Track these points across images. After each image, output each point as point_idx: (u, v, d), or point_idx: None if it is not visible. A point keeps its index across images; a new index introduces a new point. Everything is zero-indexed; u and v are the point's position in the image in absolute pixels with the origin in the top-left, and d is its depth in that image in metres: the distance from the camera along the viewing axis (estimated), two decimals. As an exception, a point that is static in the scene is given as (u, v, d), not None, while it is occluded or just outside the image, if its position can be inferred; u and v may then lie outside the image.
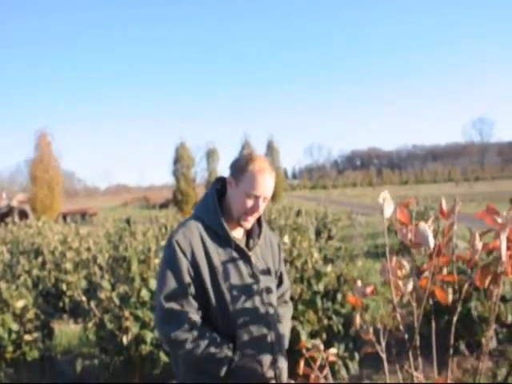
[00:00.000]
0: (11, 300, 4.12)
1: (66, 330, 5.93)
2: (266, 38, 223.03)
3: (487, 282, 1.55)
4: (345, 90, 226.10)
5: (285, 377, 1.96)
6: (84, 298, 4.14)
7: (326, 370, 1.66)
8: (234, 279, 1.83)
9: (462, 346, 4.40)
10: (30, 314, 4.28)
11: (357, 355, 3.91)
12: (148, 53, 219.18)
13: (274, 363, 1.89)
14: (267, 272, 1.95)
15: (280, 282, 2.10)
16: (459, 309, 1.66)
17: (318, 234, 9.75)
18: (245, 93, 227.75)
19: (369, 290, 1.56)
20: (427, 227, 1.36)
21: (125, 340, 3.76)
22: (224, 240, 1.85)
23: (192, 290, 1.79)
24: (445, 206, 1.56)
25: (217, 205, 1.88)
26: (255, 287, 1.87)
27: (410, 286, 1.46)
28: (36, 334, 4.22)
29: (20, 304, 4.14)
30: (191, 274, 1.78)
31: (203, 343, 1.76)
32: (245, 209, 1.84)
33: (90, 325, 4.01)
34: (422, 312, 1.56)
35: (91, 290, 5.51)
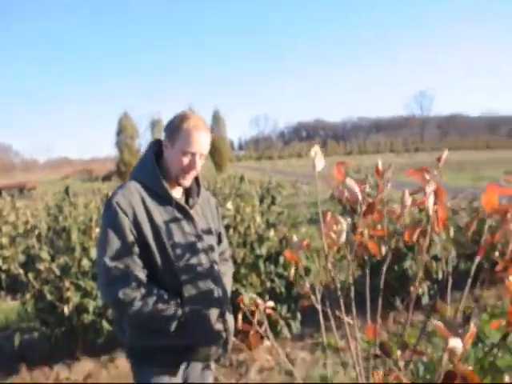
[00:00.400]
0: None
1: (3, 307, 5.73)
2: (210, 8, 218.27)
3: (415, 236, 1.64)
4: (291, 61, 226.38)
5: (232, 330, 1.97)
6: (21, 271, 4.02)
7: (265, 325, 1.70)
8: (178, 237, 1.83)
9: (398, 302, 4.64)
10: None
11: (299, 315, 4.05)
12: (91, 16, 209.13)
13: (221, 316, 1.91)
14: (209, 230, 1.98)
15: (219, 241, 2.13)
16: (395, 267, 1.76)
17: (262, 201, 9.88)
18: (190, 63, 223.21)
19: (304, 243, 1.61)
20: (353, 181, 1.40)
21: (66, 310, 3.70)
22: (165, 199, 1.85)
23: (136, 249, 1.77)
24: (380, 167, 1.63)
25: (155, 166, 1.86)
26: (199, 244, 1.89)
27: (343, 238, 1.51)
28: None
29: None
30: (134, 234, 1.77)
31: (151, 300, 1.75)
32: (182, 167, 1.84)
33: (28, 297, 3.90)
34: (354, 264, 1.63)
35: (29, 263, 5.33)
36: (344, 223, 1.68)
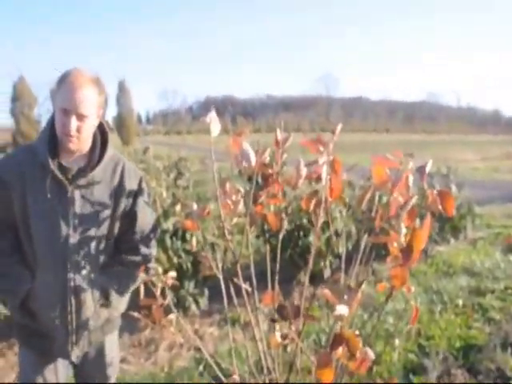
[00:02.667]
0: None
1: None
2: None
3: (312, 205, 1.72)
4: (201, 34, 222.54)
5: (86, 327, 1.81)
6: None
7: (169, 298, 1.70)
8: (43, 211, 1.68)
9: (303, 278, 4.86)
10: None
11: (206, 291, 4.10)
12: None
13: (66, 313, 1.74)
14: (92, 212, 1.75)
15: (132, 222, 1.85)
16: (299, 242, 1.84)
17: (168, 176, 9.76)
18: (92, 31, 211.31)
19: (204, 211, 1.63)
20: (249, 146, 1.44)
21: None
22: (45, 168, 1.67)
23: (3, 218, 1.71)
24: (279, 136, 1.69)
25: (48, 132, 1.70)
26: (64, 227, 1.70)
27: (240, 207, 1.55)
28: None
29: None
30: (2, 200, 1.68)
31: (2, 270, 1.71)
32: (60, 127, 1.65)
33: None
34: (259, 238, 1.69)
35: None
36: (243, 192, 1.73)
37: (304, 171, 1.67)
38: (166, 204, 4.07)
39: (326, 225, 4.22)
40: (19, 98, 26.12)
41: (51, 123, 1.71)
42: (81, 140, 1.69)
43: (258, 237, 5.05)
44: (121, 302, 1.90)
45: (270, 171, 1.73)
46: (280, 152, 1.71)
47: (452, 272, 5.59)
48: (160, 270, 1.64)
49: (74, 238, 1.70)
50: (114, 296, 1.82)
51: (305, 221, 4.85)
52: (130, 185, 1.82)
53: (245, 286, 1.50)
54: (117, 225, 1.81)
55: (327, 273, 4.90)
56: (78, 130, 1.65)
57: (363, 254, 1.68)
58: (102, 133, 1.81)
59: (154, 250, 1.94)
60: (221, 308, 4.49)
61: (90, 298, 1.76)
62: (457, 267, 5.75)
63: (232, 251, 1.55)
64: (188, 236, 4.10)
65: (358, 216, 5.23)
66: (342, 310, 1.03)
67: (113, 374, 2.03)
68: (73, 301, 1.73)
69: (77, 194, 1.70)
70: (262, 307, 1.70)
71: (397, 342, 3.40)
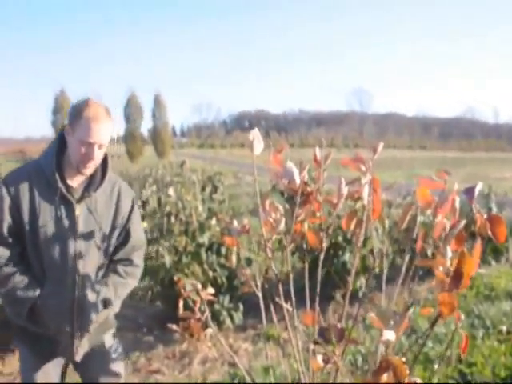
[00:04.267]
0: None
1: None
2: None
3: (352, 225, 1.71)
4: (236, 47, 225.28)
5: (93, 326, 1.96)
6: None
7: (206, 313, 1.72)
8: (51, 227, 1.83)
9: (338, 295, 4.80)
10: None
11: (241, 306, 4.10)
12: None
13: (71, 319, 1.90)
14: (95, 227, 1.91)
15: (126, 237, 2.04)
16: (334, 261, 1.83)
17: (203, 190, 9.86)
18: (129, 46, 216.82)
19: (244, 228, 1.64)
20: (293, 165, 1.44)
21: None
22: (52, 187, 1.83)
23: (10, 228, 1.82)
24: (318, 155, 1.68)
25: (54, 151, 1.85)
26: (71, 242, 1.86)
27: (282, 225, 1.55)
28: None
29: None
30: (14, 217, 1.82)
31: (11, 282, 1.81)
32: (80, 156, 1.80)
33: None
34: (296, 256, 1.69)
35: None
36: (282, 210, 1.73)
37: (345, 190, 1.66)
38: (201, 218, 4.11)
39: (363, 243, 4.18)
40: (60, 110, 27.02)
41: (57, 145, 1.87)
42: (95, 166, 1.88)
43: (293, 253, 5.03)
44: (117, 306, 2.08)
45: (309, 189, 1.73)
46: (320, 170, 1.70)
47: (494, 296, 5.40)
48: (199, 285, 1.65)
49: (80, 252, 1.88)
50: (111, 303, 1.99)
51: (340, 238, 4.81)
52: (125, 203, 2.01)
53: (286, 306, 1.49)
54: (114, 239, 2.00)
55: (363, 292, 4.83)
56: (97, 159, 1.85)
57: (400, 274, 1.65)
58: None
59: (142, 262, 2.17)
60: (255, 323, 4.48)
61: (93, 306, 1.93)
62: (499, 291, 5.54)
63: (273, 269, 1.55)
64: (223, 250, 4.12)
65: (394, 235, 5.14)
66: (389, 335, 1.01)
67: (119, 368, 2.16)
68: (78, 308, 1.90)
69: (82, 211, 1.88)
70: (299, 326, 1.68)
71: (436, 367, 3.30)
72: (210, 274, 3.87)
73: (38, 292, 1.84)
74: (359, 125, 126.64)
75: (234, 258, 1.67)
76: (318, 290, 1.63)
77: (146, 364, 3.81)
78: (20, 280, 1.83)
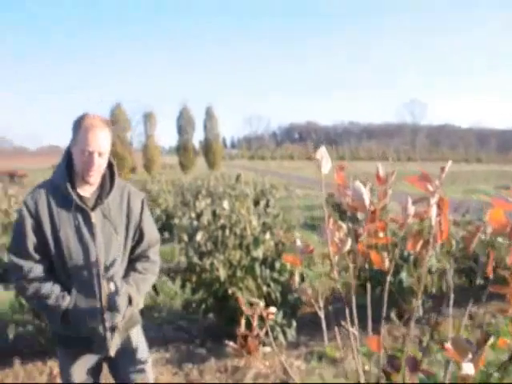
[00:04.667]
0: None
1: (-4, 297, 5.66)
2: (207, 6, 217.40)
3: (419, 247, 1.65)
4: (285, 61, 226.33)
5: (118, 327, 2.12)
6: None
7: (268, 330, 1.71)
8: (74, 239, 2.01)
9: (393, 315, 4.66)
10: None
11: (294, 322, 4.05)
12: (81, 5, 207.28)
13: (101, 316, 2.06)
14: (112, 231, 2.09)
15: (141, 237, 2.20)
16: (390, 279, 1.77)
17: (255, 203, 9.89)
18: (183, 58, 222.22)
19: (308, 248, 1.61)
20: (362, 185, 1.40)
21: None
22: (67, 199, 2.00)
23: (35, 245, 1.99)
24: (381, 172, 1.63)
25: (64, 166, 2.03)
26: (92, 247, 2.03)
27: (348, 245, 1.51)
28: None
29: None
30: (37, 234, 1.99)
31: (42, 293, 1.98)
32: (83, 165, 1.98)
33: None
34: (356, 272, 1.64)
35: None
36: (345, 229, 1.69)
37: (412, 210, 1.61)
38: (256, 232, 4.10)
39: (420, 262, 4.04)
40: (115, 122, 28.02)
41: (67, 160, 2.05)
42: (99, 174, 2.05)
43: (345, 270, 4.94)
44: (140, 302, 2.24)
45: (372, 208, 1.68)
46: (386, 188, 1.65)
47: None
48: (262, 304, 1.63)
49: (101, 256, 2.04)
50: (135, 299, 2.14)
51: (396, 256, 4.68)
52: (136, 205, 2.17)
53: (352, 330, 1.45)
54: (130, 240, 2.17)
55: (419, 312, 4.67)
56: (99, 166, 2.01)
57: (458, 295, 1.56)
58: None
59: (158, 257, 2.32)
60: (307, 340, 4.41)
61: (120, 304, 2.05)
62: None
63: (340, 290, 1.51)
64: (277, 265, 4.09)
65: (454, 253, 4.95)
66: (468, 369, 0.95)
67: (145, 360, 2.31)
68: (106, 306, 2.05)
69: (98, 218, 2.05)
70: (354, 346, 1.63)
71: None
72: (264, 288, 3.85)
73: (67, 300, 2.00)
74: (411, 137, 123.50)
75: (297, 277, 1.63)
76: (384, 312, 1.57)
77: (199, 376, 3.83)
78: (50, 291, 2.00)
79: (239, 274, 3.77)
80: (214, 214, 4.17)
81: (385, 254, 1.74)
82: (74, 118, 2.03)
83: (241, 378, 3.79)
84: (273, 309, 1.67)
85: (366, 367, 3.52)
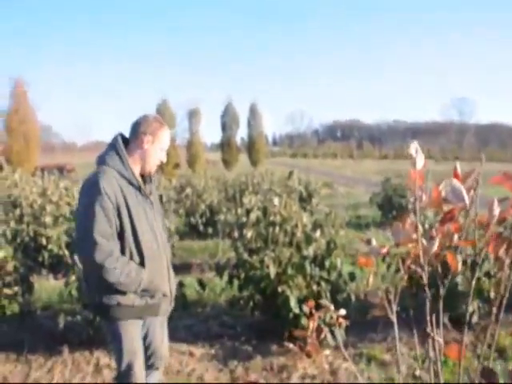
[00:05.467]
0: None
1: (46, 286, 5.80)
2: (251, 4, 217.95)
3: (501, 250, 1.51)
4: (328, 58, 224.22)
5: (174, 292, 2.61)
6: (66, 252, 4.03)
7: (324, 332, 1.62)
8: (143, 219, 2.37)
9: (445, 320, 4.45)
10: (9, 267, 4.15)
11: (344, 323, 3.91)
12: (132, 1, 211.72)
13: (168, 281, 2.52)
14: (159, 210, 2.56)
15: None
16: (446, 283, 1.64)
17: (303, 200, 9.78)
18: (228, 54, 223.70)
19: (384, 249, 1.50)
20: (460, 183, 1.28)
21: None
22: (134, 187, 2.37)
23: (117, 228, 2.30)
24: (459, 170, 1.50)
25: (127, 157, 2.36)
26: (155, 225, 2.45)
27: (435, 247, 1.39)
28: (16, 288, 4.09)
29: (-1, 255, 4.00)
30: (115, 216, 2.28)
31: (127, 269, 2.28)
32: (157, 161, 2.47)
33: (71, 279, 3.90)
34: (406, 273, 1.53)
35: (72, 245, 5.37)
36: (421, 230, 1.57)
37: (497, 211, 1.48)
38: (307, 229, 4.00)
39: (479, 266, 3.84)
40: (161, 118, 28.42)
41: (122, 149, 2.37)
42: None
43: (397, 271, 4.77)
44: None
45: (445, 208, 1.55)
46: (469, 188, 1.52)
47: None
48: (332, 307, 1.54)
49: (160, 231, 2.48)
50: None
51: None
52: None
53: (438, 339, 1.33)
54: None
55: (475, 318, 4.44)
56: None
57: None
58: None
59: None
60: (356, 341, 4.28)
61: (173, 275, 2.59)
62: None
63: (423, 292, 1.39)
64: (327, 264, 3.98)
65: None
66: None
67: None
68: (170, 272, 2.53)
69: (152, 200, 2.47)
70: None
71: None
72: (314, 287, 3.74)
73: (144, 273, 2.34)
74: (458, 136, 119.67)
75: (370, 280, 1.52)
76: (468, 319, 1.44)
77: (244, 374, 3.76)
78: (131, 266, 2.31)
79: (290, 271, 3.68)
80: (264, 210, 4.08)
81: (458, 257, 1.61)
82: (143, 117, 2.45)
83: (287, 378, 3.70)
84: (343, 311, 1.57)
85: (417, 372, 3.36)
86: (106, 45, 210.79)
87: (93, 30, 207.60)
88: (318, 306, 3.88)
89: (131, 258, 2.34)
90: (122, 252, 2.32)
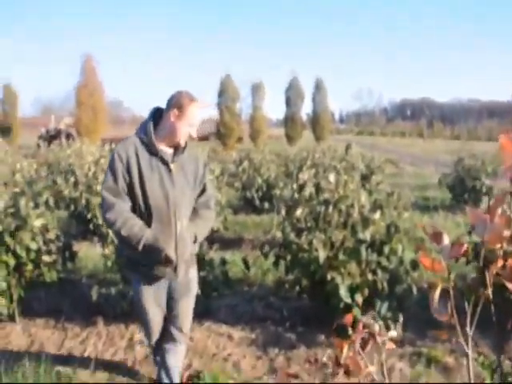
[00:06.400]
0: (29, 218, 3.83)
1: (93, 254, 5.71)
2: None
3: None
4: (398, 35, 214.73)
5: (184, 259, 2.59)
6: (101, 222, 3.81)
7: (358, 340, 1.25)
8: (156, 183, 2.46)
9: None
10: (50, 235, 4.02)
11: (401, 317, 3.45)
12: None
13: (175, 247, 2.51)
14: (184, 180, 2.56)
15: (203, 191, 2.71)
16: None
17: (362, 178, 9.19)
18: (292, 28, 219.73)
19: (462, 248, 1.06)
20: None
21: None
22: (153, 153, 2.47)
23: (124, 187, 2.45)
24: None
25: (151, 128, 2.49)
26: (170, 190, 2.48)
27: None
28: (55, 256, 3.97)
29: (38, 223, 3.85)
30: (125, 177, 2.44)
31: (129, 224, 2.40)
32: (185, 135, 2.51)
33: (108, 251, 3.70)
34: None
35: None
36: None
37: None
38: (365, 210, 3.54)
39: None
40: (224, 92, 28.30)
41: (152, 120, 2.52)
42: None
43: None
44: (198, 243, 2.73)
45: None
46: None
47: None
48: (377, 327, 1.13)
49: (176, 198, 2.50)
50: (197, 238, 2.64)
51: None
52: (201, 165, 2.70)
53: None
54: (196, 191, 2.66)
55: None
56: None
57: None
58: None
59: (215, 207, 2.86)
60: (415, 339, 3.81)
61: (186, 238, 2.55)
62: None
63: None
64: (386, 250, 3.51)
65: None
66: None
67: (194, 292, 2.80)
68: (178, 239, 2.52)
69: (176, 169, 2.52)
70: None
71: None
72: (370, 276, 3.30)
73: (148, 231, 2.42)
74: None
75: (436, 296, 1.09)
76: None
77: (284, 365, 3.42)
78: (135, 222, 2.43)
79: (341, 257, 3.26)
80: (317, 187, 3.65)
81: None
82: (176, 92, 2.53)
83: (332, 374, 3.32)
84: (393, 333, 1.17)
85: (487, 381, 2.82)
86: (179, 19, 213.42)
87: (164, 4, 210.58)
88: (372, 298, 3.44)
89: (140, 215, 2.47)
90: (133, 210, 2.48)
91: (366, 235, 3.35)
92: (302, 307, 4.16)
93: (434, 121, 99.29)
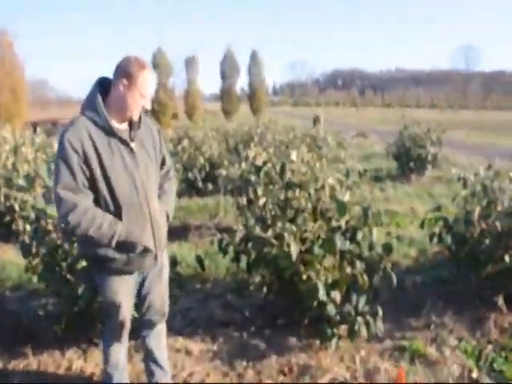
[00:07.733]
0: None
1: (19, 261, 4.87)
2: None
3: None
4: (329, 7, 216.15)
5: (162, 245, 2.40)
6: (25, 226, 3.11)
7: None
8: (120, 168, 2.17)
9: (501, 301, 3.60)
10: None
11: (380, 311, 3.03)
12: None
13: (152, 235, 2.30)
14: (148, 158, 2.30)
15: (163, 163, 2.49)
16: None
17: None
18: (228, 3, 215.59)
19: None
20: None
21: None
22: (110, 133, 2.17)
23: (84, 181, 2.12)
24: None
25: (102, 104, 2.16)
26: (136, 175, 2.22)
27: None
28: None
29: None
30: (83, 168, 2.11)
31: (96, 223, 2.12)
32: (136, 106, 2.20)
33: (35, 263, 3.02)
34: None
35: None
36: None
37: None
38: (337, 193, 3.05)
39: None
40: (157, 67, 27.10)
41: (100, 93, 2.17)
42: None
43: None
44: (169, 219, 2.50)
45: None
46: None
47: None
48: None
49: (143, 181, 2.25)
50: (169, 216, 2.47)
51: None
52: (155, 133, 2.42)
53: None
54: (158, 165, 2.42)
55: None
56: None
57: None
58: None
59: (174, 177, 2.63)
60: (393, 329, 3.43)
61: (160, 220, 2.36)
62: None
63: None
64: (359, 236, 3.05)
65: None
66: None
67: (167, 275, 2.58)
68: (154, 224, 2.30)
69: (137, 148, 2.25)
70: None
71: None
72: (348, 270, 2.83)
73: (120, 225, 2.17)
74: (463, 84, 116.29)
75: None
76: None
77: (256, 378, 2.93)
78: (103, 218, 2.14)
79: (317, 251, 2.76)
80: (282, 167, 3.10)
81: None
82: (124, 59, 2.19)
83: (310, 381, 2.87)
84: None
85: (474, 374, 2.61)
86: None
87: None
88: (348, 293, 3.00)
89: (106, 209, 2.19)
90: (98, 203, 2.18)
91: (341, 222, 2.87)
92: (265, 305, 3.66)
93: (365, 90, 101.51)
